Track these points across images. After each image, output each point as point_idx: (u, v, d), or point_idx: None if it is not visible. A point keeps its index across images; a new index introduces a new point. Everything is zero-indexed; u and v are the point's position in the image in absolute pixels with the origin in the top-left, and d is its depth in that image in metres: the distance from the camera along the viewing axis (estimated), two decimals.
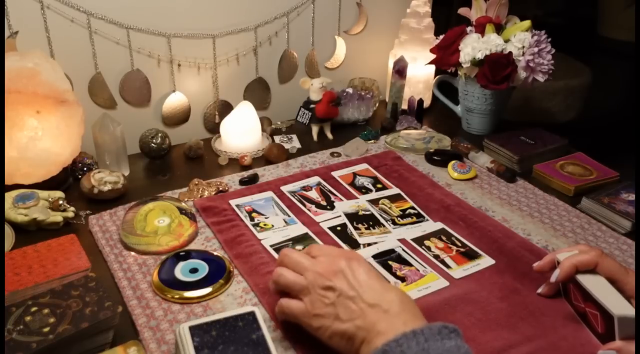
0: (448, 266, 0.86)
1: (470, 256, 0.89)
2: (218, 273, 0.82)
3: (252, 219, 0.96)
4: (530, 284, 0.82)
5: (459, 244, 0.92)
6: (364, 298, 0.64)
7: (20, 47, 1.04)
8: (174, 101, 1.24)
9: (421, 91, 1.43)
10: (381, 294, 0.64)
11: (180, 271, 0.82)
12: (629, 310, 0.66)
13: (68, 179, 1.06)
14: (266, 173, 1.13)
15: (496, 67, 1.18)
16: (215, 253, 0.87)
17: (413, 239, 0.93)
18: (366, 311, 0.63)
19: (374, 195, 1.06)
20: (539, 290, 0.80)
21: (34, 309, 0.66)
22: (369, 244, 0.91)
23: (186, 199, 1.02)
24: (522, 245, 0.90)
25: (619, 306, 0.67)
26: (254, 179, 1.09)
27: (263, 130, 1.25)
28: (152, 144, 1.14)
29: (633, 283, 0.72)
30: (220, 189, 1.05)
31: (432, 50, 1.31)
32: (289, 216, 0.98)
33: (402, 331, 0.58)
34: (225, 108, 1.30)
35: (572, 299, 0.76)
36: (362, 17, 1.42)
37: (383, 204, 1.03)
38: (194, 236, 0.92)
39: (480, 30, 1.25)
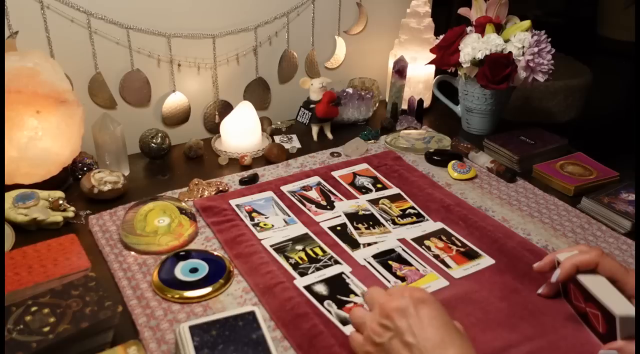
0: (448, 266, 0.86)
1: (470, 255, 0.89)
2: (218, 273, 0.82)
3: (252, 219, 0.96)
4: (530, 284, 0.82)
5: (459, 244, 0.92)
6: (420, 345, 0.56)
7: (20, 47, 1.04)
8: (174, 101, 1.24)
9: (421, 91, 1.43)
10: (440, 346, 0.56)
11: (180, 271, 0.82)
12: (630, 310, 0.66)
13: (68, 179, 1.06)
14: (266, 173, 1.13)
15: (496, 67, 1.18)
16: (215, 253, 0.87)
17: (413, 239, 0.93)
18: None
19: (374, 195, 1.06)
20: (539, 290, 0.80)
21: (34, 309, 0.66)
22: (369, 244, 0.91)
23: (186, 199, 1.02)
24: (522, 245, 0.90)
25: (621, 306, 0.67)
26: (254, 179, 1.09)
27: (263, 130, 1.25)
28: (152, 144, 1.14)
29: (634, 282, 0.72)
30: (220, 189, 1.05)
31: (432, 50, 1.31)
32: (289, 215, 0.98)
33: None
34: (225, 108, 1.30)
35: (572, 299, 0.76)
36: (362, 17, 1.42)
37: (383, 204, 1.03)
38: (194, 235, 0.92)
39: (480, 30, 1.25)
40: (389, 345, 0.59)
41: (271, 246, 0.90)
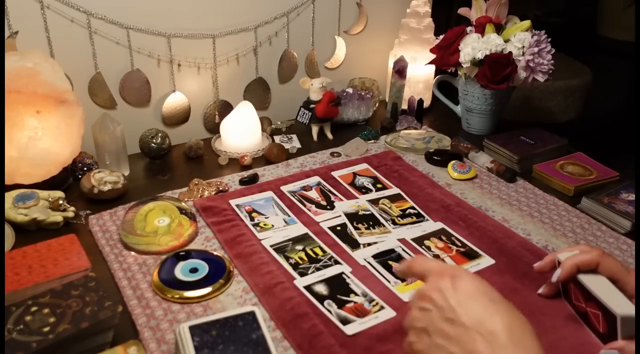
0: None
1: (470, 256, 0.89)
2: (218, 273, 0.82)
3: (252, 219, 0.96)
4: (530, 284, 0.82)
5: (459, 244, 0.92)
6: (462, 319, 0.52)
7: (20, 47, 1.04)
8: (174, 101, 1.24)
9: (421, 91, 1.43)
10: (489, 316, 0.52)
11: (180, 271, 0.82)
12: (631, 310, 0.66)
13: (68, 179, 1.06)
14: (266, 173, 1.13)
15: (496, 67, 1.18)
16: (215, 253, 0.87)
17: (413, 239, 0.93)
18: (463, 335, 0.52)
19: (374, 195, 1.06)
20: (540, 290, 0.80)
21: (34, 309, 0.66)
22: (369, 244, 0.91)
23: (186, 199, 1.02)
24: (522, 245, 0.90)
25: (622, 306, 0.67)
26: (254, 179, 1.09)
27: (263, 130, 1.25)
28: (152, 144, 1.14)
29: (634, 282, 0.72)
30: (220, 189, 1.05)
31: (432, 50, 1.31)
32: (289, 215, 0.98)
33: None
34: (225, 108, 1.30)
35: (572, 299, 0.76)
36: (362, 17, 1.42)
37: (383, 204, 1.03)
38: (194, 235, 0.92)
39: (480, 30, 1.25)
40: (432, 326, 0.55)
41: (271, 246, 0.90)
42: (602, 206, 1.00)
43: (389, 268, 0.85)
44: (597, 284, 0.71)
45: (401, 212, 1.00)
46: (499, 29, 1.25)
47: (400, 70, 1.35)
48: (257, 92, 1.34)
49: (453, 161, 1.15)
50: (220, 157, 1.18)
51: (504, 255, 0.88)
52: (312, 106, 1.24)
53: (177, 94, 1.24)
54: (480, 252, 0.90)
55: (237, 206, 1.00)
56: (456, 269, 0.58)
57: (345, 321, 0.74)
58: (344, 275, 0.83)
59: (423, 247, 0.91)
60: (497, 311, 0.52)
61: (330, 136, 1.29)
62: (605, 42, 3.40)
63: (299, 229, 0.94)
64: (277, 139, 1.27)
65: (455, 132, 1.34)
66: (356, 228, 0.95)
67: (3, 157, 0.93)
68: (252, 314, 0.68)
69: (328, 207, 1.01)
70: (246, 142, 1.20)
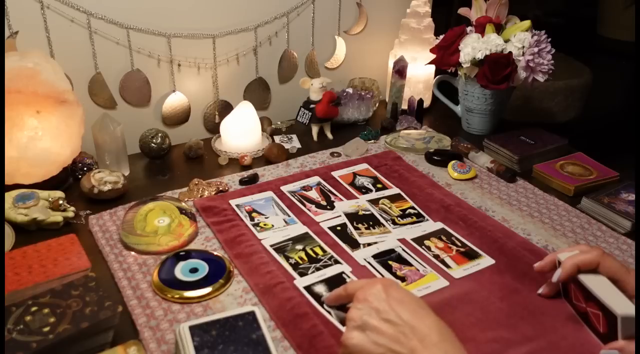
0: (448, 266, 0.86)
1: (470, 255, 0.89)
2: (218, 273, 0.82)
3: (252, 219, 0.96)
4: (530, 284, 0.82)
5: (459, 244, 0.92)
6: (397, 321, 0.60)
7: (20, 47, 1.04)
8: (174, 101, 1.24)
9: (421, 91, 1.43)
10: (419, 319, 0.60)
11: (180, 271, 0.82)
12: (631, 310, 0.66)
13: (68, 179, 1.06)
14: (266, 173, 1.13)
15: (496, 67, 1.18)
16: (215, 253, 0.87)
17: (413, 239, 0.93)
18: (401, 335, 0.60)
19: (374, 195, 1.06)
20: (540, 290, 0.80)
21: (34, 309, 0.66)
22: (369, 244, 0.91)
23: (186, 199, 1.02)
24: (522, 245, 0.90)
25: (622, 306, 0.67)
26: (254, 179, 1.09)
27: (263, 130, 1.25)
28: (152, 144, 1.14)
29: (634, 282, 0.72)
30: (220, 189, 1.05)
31: (432, 50, 1.31)
32: (289, 215, 0.98)
33: None
34: (225, 108, 1.30)
35: (572, 299, 0.76)
36: (362, 17, 1.42)
37: (383, 204, 1.03)
38: (194, 236, 0.92)
39: (480, 30, 1.25)
40: (367, 324, 0.61)
41: (271, 246, 0.90)
42: (602, 206, 1.00)
43: (389, 268, 0.85)
44: (598, 284, 0.71)
45: (401, 212, 1.00)
46: (499, 29, 1.25)
47: (400, 70, 1.35)
48: (257, 92, 1.34)
49: (453, 161, 1.15)
50: (220, 157, 1.18)
51: (504, 255, 0.88)
52: (312, 106, 1.24)
53: (177, 94, 1.24)
54: (480, 252, 0.90)
55: (237, 206, 1.00)
56: (386, 280, 0.66)
57: (344, 322, 0.74)
58: (344, 275, 0.83)
59: (423, 247, 0.91)
60: (425, 315, 0.61)
61: (330, 136, 1.29)
62: (605, 42, 3.41)
63: (299, 229, 0.94)
64: (277, 139, 1.27)
65: (455, 132, 1.34)
66: (356, 228, 0.95)
67: (3, 157, 0.93)
68: (252, 314, 0.68)
69: (328, 207, 1.01)
70: (246, 142, 1.20)
